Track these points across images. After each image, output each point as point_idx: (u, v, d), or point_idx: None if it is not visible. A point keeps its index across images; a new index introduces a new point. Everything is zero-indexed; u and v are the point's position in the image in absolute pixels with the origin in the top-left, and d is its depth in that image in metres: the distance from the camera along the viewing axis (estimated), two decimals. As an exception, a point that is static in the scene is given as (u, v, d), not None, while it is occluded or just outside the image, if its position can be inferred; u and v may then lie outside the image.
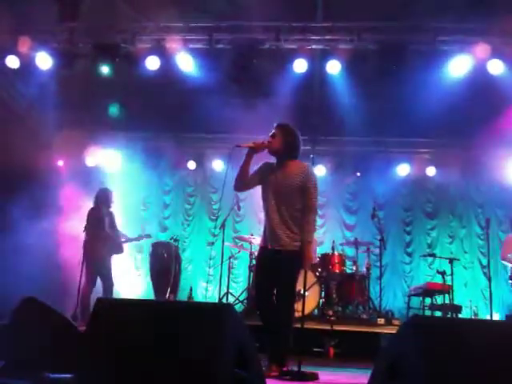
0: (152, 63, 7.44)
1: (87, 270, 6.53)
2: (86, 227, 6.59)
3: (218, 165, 9.34)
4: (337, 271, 7.18)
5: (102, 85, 7.62)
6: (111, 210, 6.96)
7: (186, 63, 7.56)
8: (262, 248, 4.27)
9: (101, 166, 9.26)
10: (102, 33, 7.42)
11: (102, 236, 6.64)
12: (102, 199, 6.84)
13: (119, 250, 6.92)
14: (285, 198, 4.11)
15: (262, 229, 4.33)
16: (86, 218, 6.69)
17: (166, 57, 7.51)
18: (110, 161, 9.24)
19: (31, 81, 7.58)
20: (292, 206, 4.11)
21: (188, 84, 7.76)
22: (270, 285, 4.13)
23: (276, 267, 4.03)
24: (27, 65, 7.39)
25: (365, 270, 7.43)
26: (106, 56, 7.38)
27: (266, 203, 4.21)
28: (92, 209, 6.77)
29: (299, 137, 4.32)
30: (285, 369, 3.90)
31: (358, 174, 9.09)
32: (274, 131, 4.27)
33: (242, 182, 4.21)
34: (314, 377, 3.91)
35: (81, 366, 2.48)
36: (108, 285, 6.64)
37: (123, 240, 7.05)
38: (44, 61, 7.37)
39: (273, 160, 4.32)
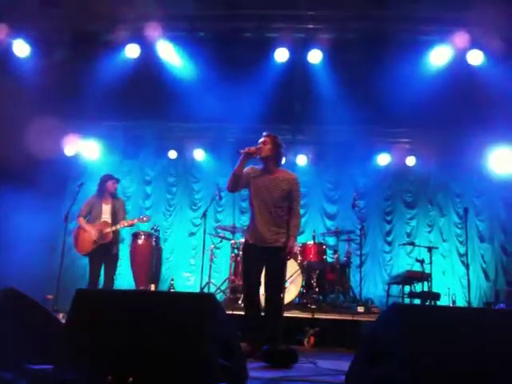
0: (132, 51, 7.36)
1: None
2: (77, 215, 6.59)
3: (199, 154, 9.28)
4: (318, 260, 7.23)
5: (81, 73, 7.51)
6: (117, 198, 6.83)
7: (167, 51, 7.49)
8: (249, 245, 4.69)
9: (80, 155, 9.16)
10: (82, 20, 7.30)
11: (93, 224, 6.56)
12: (97, 187, 6.75)
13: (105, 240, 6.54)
14: (273, 201, 4.61)
15: (247, 225, 4.84)
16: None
17: (146, 45, 7.43)
18: (89, 150, 9.13)
19: (7, 69, 7.43)
20: (279, 207, 4.62)
21: (169, 73, 7.70)
22: (258, 279, 4.63)
23: (264, 263, 4.60)
24: (3, 52, 7.24)
25: (345, 258, 7.50)
26: (85, 44, 7.29)
27: (254, 205, 4.69)
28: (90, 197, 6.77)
29: (284, 148, 4.81)
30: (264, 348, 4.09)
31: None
32: (264, 139, 4.70)
33: (236, 184, 4.68)
34: (295, 356, 4.05)
35: (61, 357, 2.46)
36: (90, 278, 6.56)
37: (118, 226, 6.61)
38: (21, 49, 7.24)
39: (255, 165, 4.81)
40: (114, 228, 6.54)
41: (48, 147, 7.85)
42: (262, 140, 4.71)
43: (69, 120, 8.38)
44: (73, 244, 6.61)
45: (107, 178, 6.75)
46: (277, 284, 4.61)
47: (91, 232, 6.47)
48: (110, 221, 6.59)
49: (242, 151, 4.60)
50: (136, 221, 6.82)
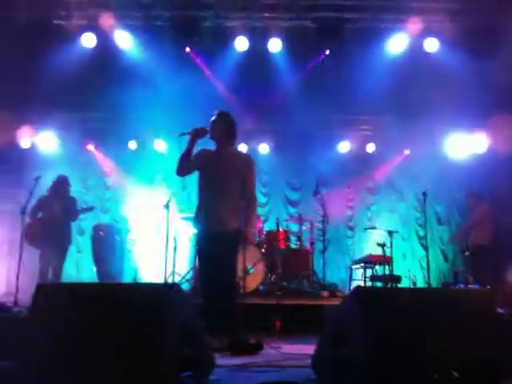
0: (88, 41, 7.21)
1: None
2: (29, 212, 6.66)
3: (159, 145, 9.17)
4: (282, 247, 7.29)
5: (34, 63, 7.29)
6: (69, 196, 7.09)
7: (124, 40, 7.36)
8: (201, 233, 4.44)
9: (36, 147, 8.89)
10: (33, 8, 7.10)
11: (41, 221, 6.79)
12: (50, 186, 6.99)
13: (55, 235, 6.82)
14: (226, 183, 4.33)
15: (195, 211, 4.48)
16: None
17: (103, 34, 7.28)
18: (46, 142, 8.88)
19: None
20: (231, 189, 4.34)
21: (127, 62, 7.57)
22: (214, 267, 4.28)
23: (217, 249, 4.24)
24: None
25: (309, 244, 7.58)
26: (40, 32, 7.11)
27: (205, 188, 4.40)
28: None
29: (237, 125, 4.52)
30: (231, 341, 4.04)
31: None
32: (214, 118, 4.44)
33: (185, 168, 4.39)
34: (259, 346, 4.09)
35: (21, 353, 2.42)
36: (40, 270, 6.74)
37: (66, 220, 6.96)
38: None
39: (210, 146, 4.52)
40: (61, 222, 6.81)
41: (1, 139, 7.64)
42: (212, 119, 4.46)
43: (23, 112, 8.11)
44: (24, 238, 6.59)
45: (60, 180, 7.04)
46: (228, 270, 4.27)
47: (38, 226, 6.72)
48: (60, 217, 6.86)
49: (186, 132, 4.34)
50: (80, 212, 7.10)
